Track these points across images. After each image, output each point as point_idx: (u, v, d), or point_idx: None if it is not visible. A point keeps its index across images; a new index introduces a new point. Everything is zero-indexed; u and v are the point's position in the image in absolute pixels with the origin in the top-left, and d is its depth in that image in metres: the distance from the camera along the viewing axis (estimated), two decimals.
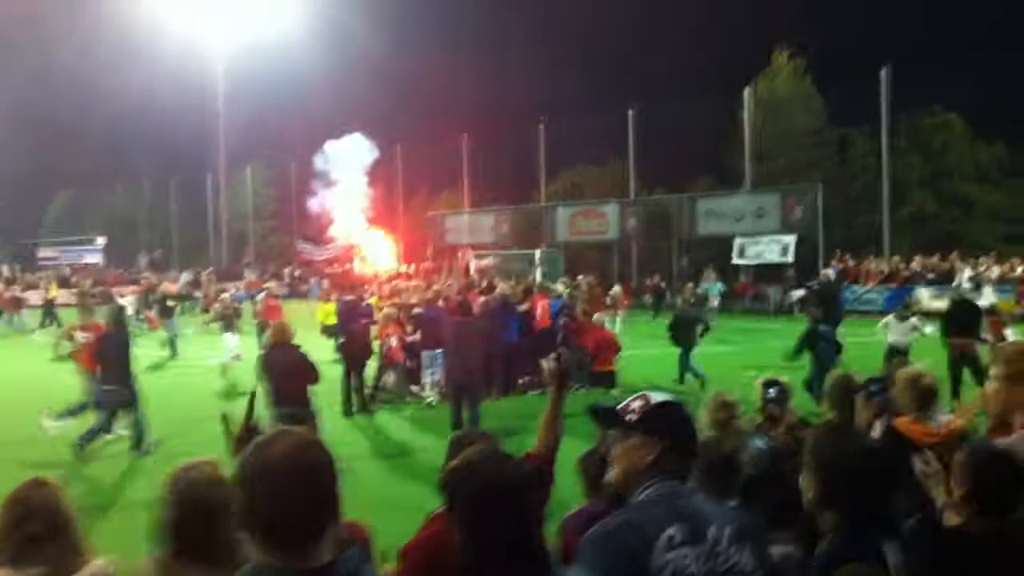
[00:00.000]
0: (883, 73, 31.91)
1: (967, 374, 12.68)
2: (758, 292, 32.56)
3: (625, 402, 2.76)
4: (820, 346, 12.82)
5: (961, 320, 13.42)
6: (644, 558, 2.45)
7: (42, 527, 3.25)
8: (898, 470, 3.15)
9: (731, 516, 2.67)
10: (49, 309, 29.69)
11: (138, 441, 11.05)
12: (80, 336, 12.28)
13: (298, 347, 9.82)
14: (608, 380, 15.14)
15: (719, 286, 29.21)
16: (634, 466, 2.68)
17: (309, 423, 7.21)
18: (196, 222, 63.09)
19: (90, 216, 68.51)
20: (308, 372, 9.46)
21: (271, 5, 48.37)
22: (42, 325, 28.32)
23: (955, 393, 12.11)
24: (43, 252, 62.66)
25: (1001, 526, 3.09)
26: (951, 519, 3.34)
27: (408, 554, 3.38)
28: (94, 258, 60.22)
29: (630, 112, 39.14)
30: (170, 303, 23.02)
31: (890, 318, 14.93)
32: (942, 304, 18.09)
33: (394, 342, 14.68)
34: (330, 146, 46.46)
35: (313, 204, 48.27)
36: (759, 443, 4.99)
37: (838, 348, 13.08)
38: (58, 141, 69.08)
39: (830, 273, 27.61)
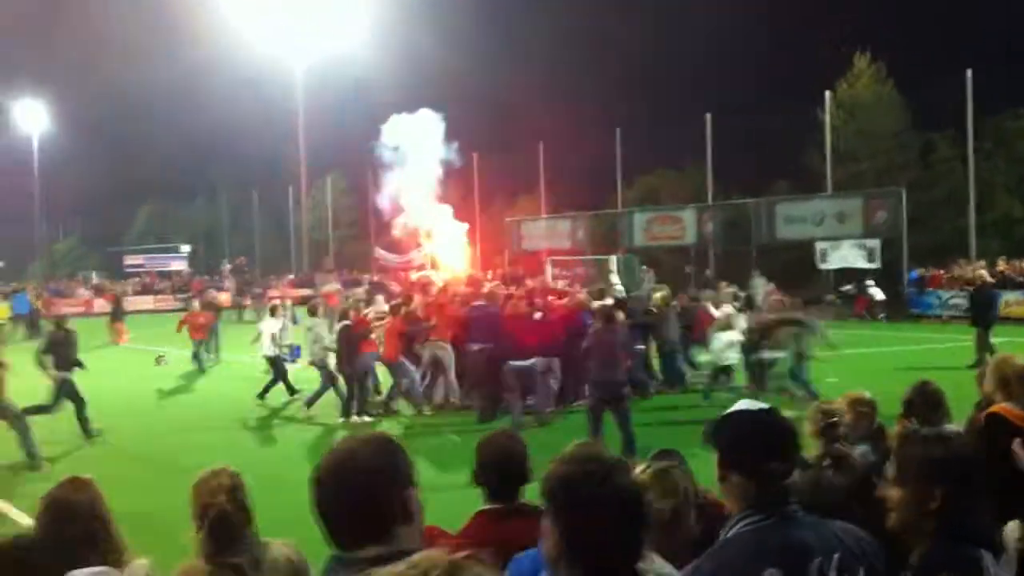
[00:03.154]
0: (967, 76, 31.42)
1: None
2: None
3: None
4: None
5: None
6: None
7: (80, 526, 3.21)
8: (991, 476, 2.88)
9: (836, 543, 2.44)
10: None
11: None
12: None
13: None
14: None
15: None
16: (722, 491, 2.58)
17: None
18: (278, 231, 64.52)
19: (173, 226, 70.48)
20: None
21: (347, 18, 49.30)
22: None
23: None
24: (129, 260, 64.36)
25: None
26: None
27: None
28: (179, 265, 61.79)
29: (708, 116, 39.04)
30: None
31: None
32: None
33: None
34: (396, 122, 46.66)
35: (383, 198, 48.40)
36: (862, 449, 5.04)
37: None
38: (142, 154, 71.39)
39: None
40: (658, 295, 16.99)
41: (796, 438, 2.60)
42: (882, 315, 29.28)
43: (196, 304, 22.84)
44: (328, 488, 2.19)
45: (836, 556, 2.39)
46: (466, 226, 45.81)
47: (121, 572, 3.20)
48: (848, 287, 32.41)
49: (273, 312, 17.57)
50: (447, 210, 47.46)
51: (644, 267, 34.73)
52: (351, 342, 13.90)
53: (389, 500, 2.17)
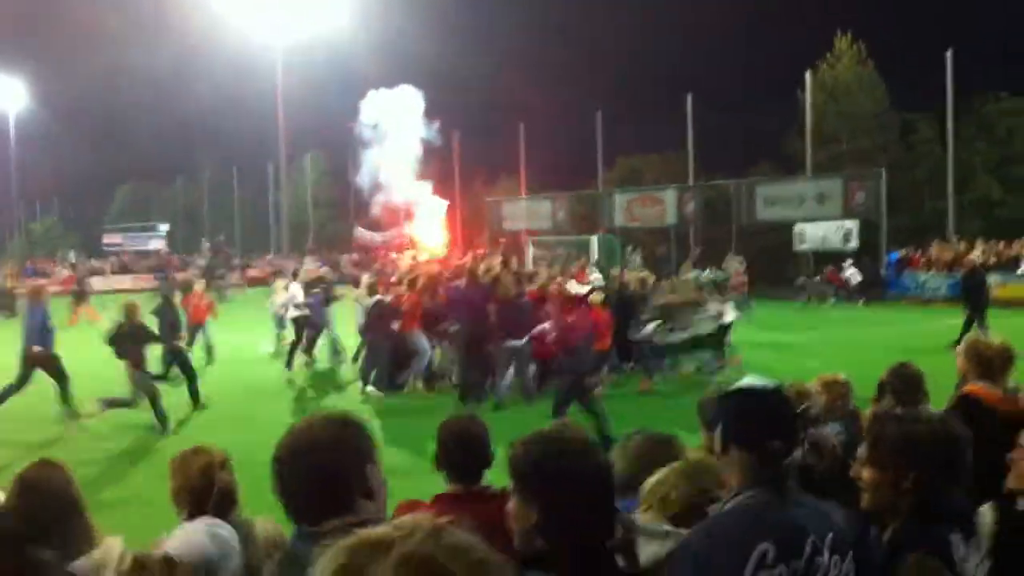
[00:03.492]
0: (947, 57, 31.42)
1: None
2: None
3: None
4: None
5: None
6: None
7: (53, 507, 3.21)
8: (968, 457, 2.88)
9: (829, 522, 2.48)
10: None
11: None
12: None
13: None
14: None
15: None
16: (721, 465, 2.59)
17: None
18: (257, 210, 64.31)
19: (153, 205, 70.15)
20: None
21: None
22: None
23: None
24: (108, 239, 64.01)
25: None
26: None
27: None
28: (157, 244, 61.47)
29: (689, 96, 38.94)
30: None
31: None
32: None
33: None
34: (375, 97, 46.33)
35: (362, 176, 48.02)
36: (834, 429, 4.94)
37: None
38: (122, 133, 70.87)
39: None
40: (634, 277, 16.89)
41: (799, 418, 2.64)
42: (861, 299, 29.30)
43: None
44: (287, 467, 2.23)
45: (829, 536, 2.43)
46: (446, 203, 45.74)
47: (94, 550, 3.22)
48: (828, 269, 32.46)
49: (295, 276, 18.86)
50: (427, 186, 47.49)
51: (630, 248, 34.81)
52: (383, 316, 14.14)
53: (347, 476, 2.20)
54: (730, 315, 15.55)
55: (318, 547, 1.26)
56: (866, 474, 2.87)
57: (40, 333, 12.25)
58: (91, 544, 3.22)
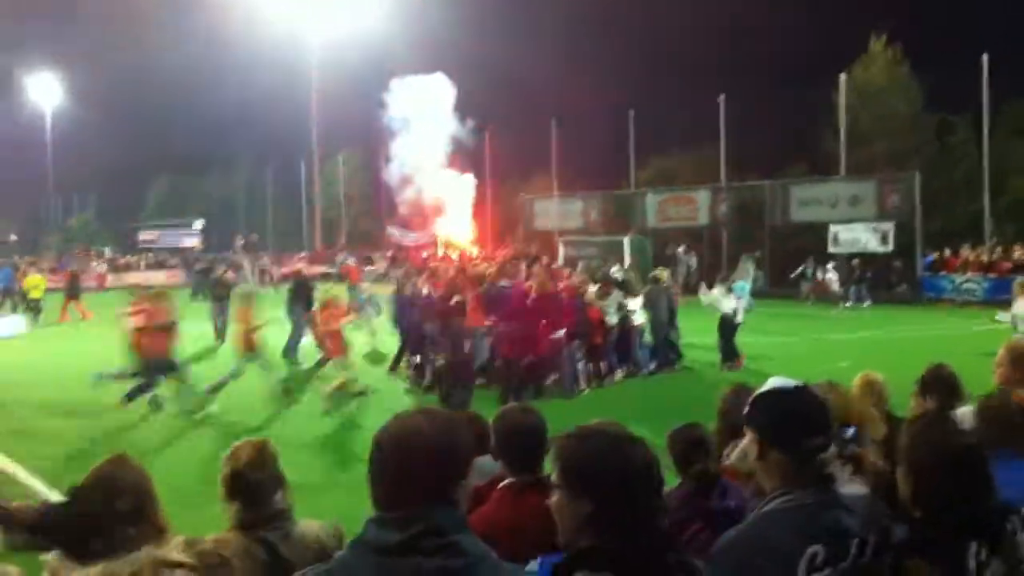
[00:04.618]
0: (983, 59, 31.28)
1: None
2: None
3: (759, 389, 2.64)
4: None
5: None
6: None
7: (129, 504, 3.18)
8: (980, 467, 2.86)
9: (873, 524, 2.54)
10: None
11: None
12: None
13: None
14: None
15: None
16: (755, 467, 2.60)
17: None
18: (291, 207, 64.71)
19: (188, 201, 70.65)
20: None
21: None
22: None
23: None
24: (143, 235, 64.64)
25: None
26: None
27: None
28: (192, 241, 62.04)
29: (722, 97, 38.94)
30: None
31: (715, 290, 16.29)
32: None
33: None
34: (404, 85, 46.64)
35: (393, 169, 47.82)
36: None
37: None
38: (157, 128, 71.54)
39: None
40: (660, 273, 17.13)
41: (830, 413, 2.62)
42: (847, 303, 28.95)
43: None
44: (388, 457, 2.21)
45: (872, 539, 2.49)
46: (473, 181, 45.30)
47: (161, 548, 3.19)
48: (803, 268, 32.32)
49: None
50: (458, 177, 47.43)
51: (683, 248, 34.73)
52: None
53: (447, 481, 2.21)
54: (739, 316, 15.96)
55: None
56: (898, 474, 2.94)
57: None
58: (163, 540, 3.21)
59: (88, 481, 3.29)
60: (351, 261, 33.58)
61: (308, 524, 3.71)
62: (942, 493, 2.77)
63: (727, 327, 15.85)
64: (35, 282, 29.17)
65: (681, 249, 35.90)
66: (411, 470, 2.16)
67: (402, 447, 2.20)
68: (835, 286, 30.14)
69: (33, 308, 28.06)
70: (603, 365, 14.76)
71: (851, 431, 4.45)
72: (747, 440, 2.62)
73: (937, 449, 2.85)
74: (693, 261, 35.17)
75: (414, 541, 2.07)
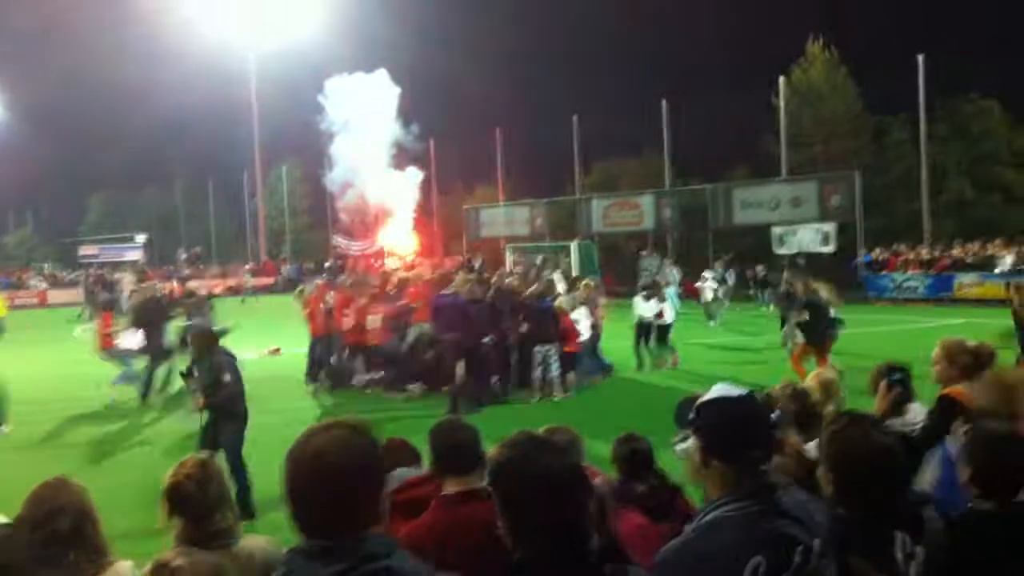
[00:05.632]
0: (920, 60, 31.71)
1: None
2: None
3: (701, 395, 2.59)
4: None
5: None
6: None
7: (68, 525, 3.19)
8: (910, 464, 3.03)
9: (815, 528, 2.46)
10: None
11: None
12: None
13: None
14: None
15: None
16: (696, 474, 2.54)
17: None
18: (234, 219, 64.04)
19: (128, 215, 69.56)
20: None
21: (303, 4, 48.85)
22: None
23: None
24: (84, 250, 63.40)
25: (1005, 508, 3.06)
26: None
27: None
28: (134, 255, 60.95)
29: (664, 102, 39.13)
30: None
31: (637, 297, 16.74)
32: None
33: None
34: (339, 84, 45.26)
35: (334, 175, 46.74)
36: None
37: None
38: (95, 142, 70.28)
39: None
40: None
41: (773, 424, 2.60)
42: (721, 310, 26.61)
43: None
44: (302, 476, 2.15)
45: (816, 542, 2.41)
46: (419, 176, 44.60)
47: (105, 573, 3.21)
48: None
49: None
50: (402, 176, 46.73)
51: (665, 259, 34.25)
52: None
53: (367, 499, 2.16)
54: (669, 316, 16.60)
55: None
56: (819, 474, 2.98)
57: None
58: (103, 564, 3.21)
59: (29, 501, 3.26)
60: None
61: (254, 540, 3.59)
62: (865, 489, 2.81)
63: (648, 330, 16.41)
64: None
65: (644, 253, 35.85)
66: (324, 498, 2.09)
67: (310, 474, 2.11)
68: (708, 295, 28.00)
69: None
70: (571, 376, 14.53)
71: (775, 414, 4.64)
72: (692, 444, 2.55)
73: (858, 446, 2.87)
74: (655, 264, 34.95)
75: (346, 574, 2.00)
